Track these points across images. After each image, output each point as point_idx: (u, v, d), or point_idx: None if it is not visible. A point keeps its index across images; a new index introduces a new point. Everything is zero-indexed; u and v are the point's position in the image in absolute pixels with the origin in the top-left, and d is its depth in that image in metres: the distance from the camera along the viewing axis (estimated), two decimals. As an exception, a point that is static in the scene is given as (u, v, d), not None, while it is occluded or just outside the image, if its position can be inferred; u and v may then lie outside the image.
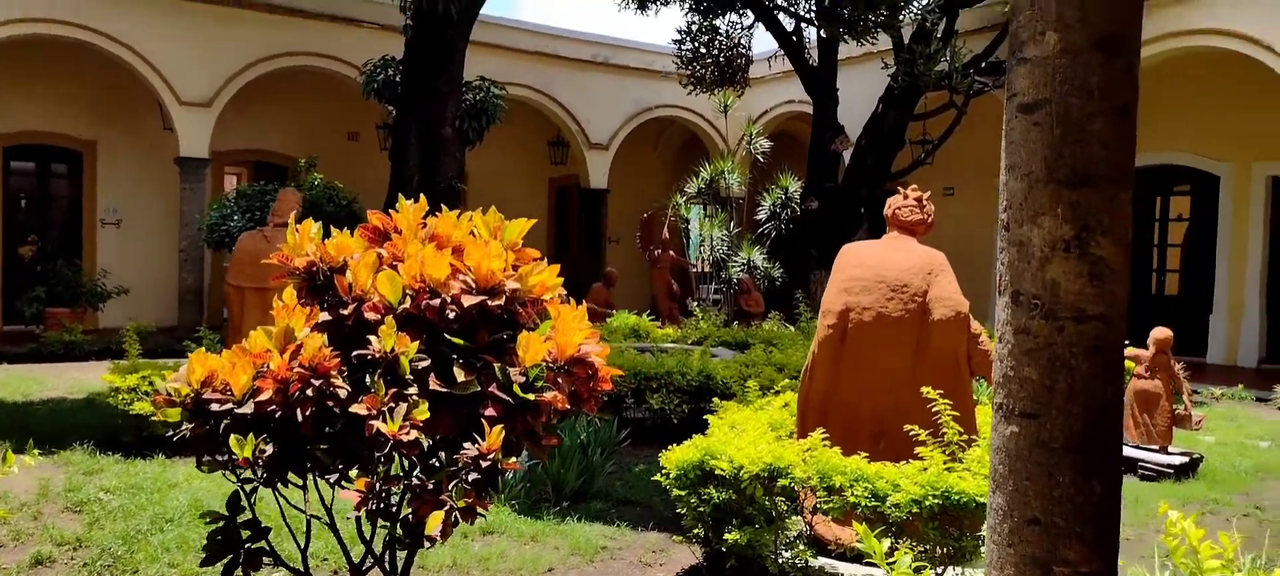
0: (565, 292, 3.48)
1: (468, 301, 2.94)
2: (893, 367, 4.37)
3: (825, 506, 3.91)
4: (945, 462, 3.86)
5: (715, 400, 5.12)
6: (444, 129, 9.78)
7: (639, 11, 13.56)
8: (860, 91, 14.10)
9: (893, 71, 12.55)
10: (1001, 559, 2.41)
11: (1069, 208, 2.30)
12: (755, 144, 16.01)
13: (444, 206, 3.30)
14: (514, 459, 2.91)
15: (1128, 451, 6.76)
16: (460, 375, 2.90)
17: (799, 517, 4.21)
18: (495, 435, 2.83)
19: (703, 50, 13.67)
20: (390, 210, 3.24)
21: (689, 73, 13.85)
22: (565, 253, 19.81)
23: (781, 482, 3.90)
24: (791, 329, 10.75)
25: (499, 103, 10.34)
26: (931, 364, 4.37)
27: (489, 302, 2.98)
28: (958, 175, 17.70)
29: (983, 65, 12.54)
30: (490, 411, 2.89)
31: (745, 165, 16.85)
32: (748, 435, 4.37)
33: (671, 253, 14.84)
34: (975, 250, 17.37)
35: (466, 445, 2.86)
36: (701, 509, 4.12)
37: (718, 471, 4.03)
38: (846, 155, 13.98)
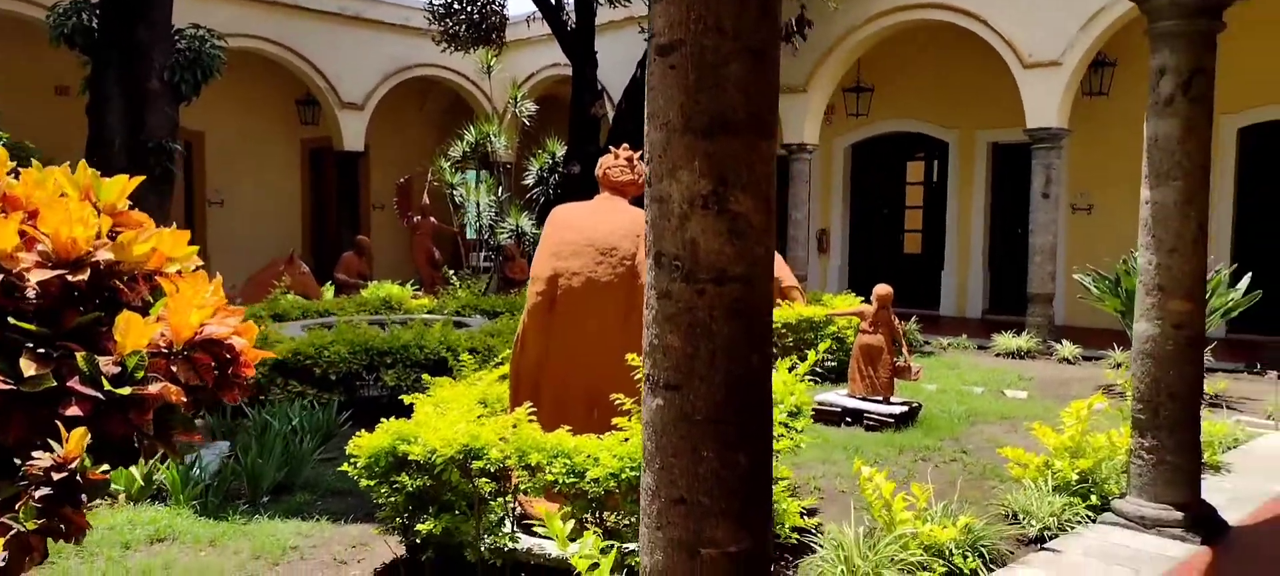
0: (202, 263, 2.99)
1: (38, 277, 2.39)
2: (603, 335, 4.18)
3: (524, 486, 3.66)
4: (646, 432, 3.71)
5: (425, 377, 4.76)
6: (150, 82, 8.68)
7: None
8: (623, 56, 14.04)
9: (649, 36, 12.51)
10: (651, 543, 2.22)
11: (706, 160, 2.10)
12: (521, 107, 15.62)
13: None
14: (104, 466, 2.41)
15: (854, 403, 7.04)
16: (31, 368, 2.36)
17: (507, 499, 3.93)
18: (76, 440, 2.31)
19: (456, 5, 13.06)
20: None
21: (442, 29, 13.21)
22: (323, 219, 18.62)
23: (477, 465, 3.60)
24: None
25: (217, 54, 9.32)
26: (642, 330, 4.20)
27: (70, 277, 2.45)
28: (722, 140, 18.16)
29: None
30: (74, 411, 2.37)
31: (514, 129, 16.44)
32: (452, 414, 4.04)
33: (432, 218, 14.22)
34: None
35: (38, 454, 2.34)
36: (394, 498, 3.76)
37: (411, 456, 3.67)
38: (610, 120, 13.88)
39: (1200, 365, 4.38)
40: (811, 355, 4.51)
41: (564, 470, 3.53)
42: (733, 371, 2.12)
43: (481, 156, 15.76)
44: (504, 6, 13.30)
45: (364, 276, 12.55)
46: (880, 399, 7.05)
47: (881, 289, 7.16)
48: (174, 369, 2.65)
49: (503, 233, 15.24)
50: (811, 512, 4.75)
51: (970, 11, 11.96)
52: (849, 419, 6.99)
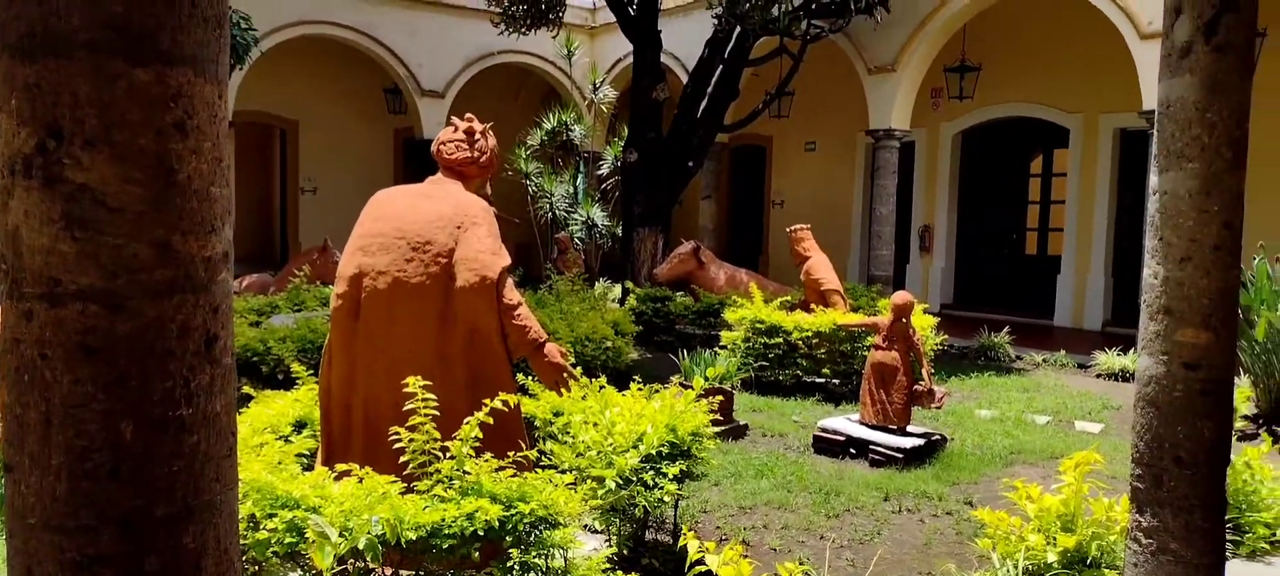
0: None
1: None
2: (416, 349, 3.39)
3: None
4: (415, 466, 2.97)
5: (246, 387, 4.11)
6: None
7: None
8: (696, 37, 13.10)
9: (717, 15, 11.51)
10: None
11: (26, 96, 1.28)
12: (601, 93, 14.96)
13: None
14: None
15: (860, 432, 5.93)
16: None
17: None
18: None
19: (512, -17, 12.47)
20: None
21: (500, 10, 12.65)
22: (416, 210, 18.58)
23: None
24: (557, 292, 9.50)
25: (249, 39, 9.13)
26: (463, 344, 3.40)
27: None
28: (820, 129, 16.84)
29: (814, 5, 11.56)
30: None
31: (603, 119, 15.78)
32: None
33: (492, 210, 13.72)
34: (837, 211, 16.58)
35: None
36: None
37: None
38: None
39: (1225, 419, 3.12)
40: (698, 382, 3.55)
41: (284, 526, 2.77)
42: (82, 449, 1.29)
43: (561, 145, 15.21)
44: (561, -15, 12.60)
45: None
46: (893, 428, 5.91)
47: (899, 297, 6.00)
48: None
49: (574, 225, 14.62)
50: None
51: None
52: (853, 450, 5.89)
